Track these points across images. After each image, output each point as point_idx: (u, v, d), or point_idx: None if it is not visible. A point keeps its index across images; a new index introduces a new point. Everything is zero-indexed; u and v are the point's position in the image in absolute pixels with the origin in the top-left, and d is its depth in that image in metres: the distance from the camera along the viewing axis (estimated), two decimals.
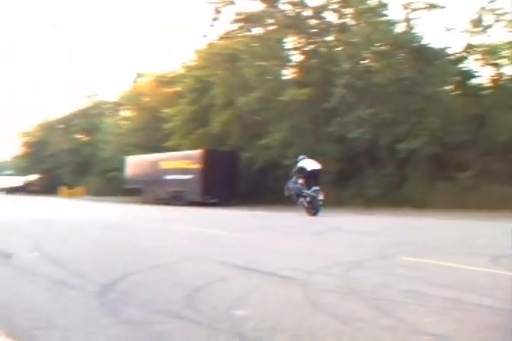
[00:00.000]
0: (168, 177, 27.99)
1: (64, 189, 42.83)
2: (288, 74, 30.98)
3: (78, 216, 16.49)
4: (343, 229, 12.07)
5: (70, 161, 48.16)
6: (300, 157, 17.44)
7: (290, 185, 16.92)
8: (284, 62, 29.42)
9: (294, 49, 29.20)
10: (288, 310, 4.04)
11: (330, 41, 27.77)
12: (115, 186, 37.88)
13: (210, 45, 33.27)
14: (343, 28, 26.04)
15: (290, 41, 29.07)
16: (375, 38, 23.03)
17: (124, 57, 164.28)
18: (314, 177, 16.02)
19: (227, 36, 32.67)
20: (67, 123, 52.19)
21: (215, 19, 32.72)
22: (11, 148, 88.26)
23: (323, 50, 27.46)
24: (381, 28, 22.83)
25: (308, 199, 15.90)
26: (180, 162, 27.51)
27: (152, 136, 37.79)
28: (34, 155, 54.50)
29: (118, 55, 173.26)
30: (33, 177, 52.43)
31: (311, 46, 27.90)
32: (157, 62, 71.14)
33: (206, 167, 25.61)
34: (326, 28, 27.60)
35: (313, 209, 15.76)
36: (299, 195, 16.33)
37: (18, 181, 52.83)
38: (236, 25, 32.46)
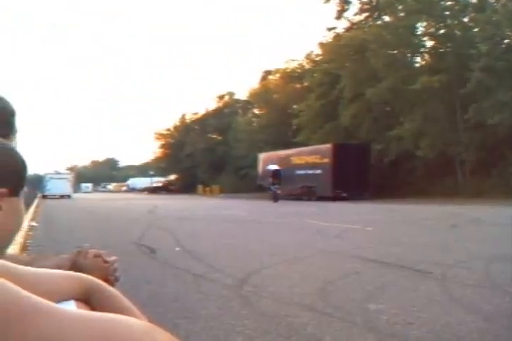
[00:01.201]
0: (298, 172, 28.21)
1: (200, 187, 45.00)
2: (419, 61, 29.83)
3: (214, 212, 17.22)
4: (484, 220, 11.35)
5: (206, 160, 50.31)
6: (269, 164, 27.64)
7: (265, 180, 26.44)
8: (415, 49, 28.28)
9: (426, 34, 27.94)
10: (424, 304, 3.88)
11: (465, 23, 26.18)
12: (248, 183, 38.99)
13: (337, 37, 32.99)
14: (481, 7, 24.40)
15: (421, 27, 27.86)
16: None
17: (253, 55, 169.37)
18: (277, 175, 25.14)
19: (354, 27, 32.20)
20: (202, 124, 54.61)
21: (342, 11, 32.42)
22: (151, 151, 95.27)
23: (457, 32, 25.95)
24: None
25: (271, 192, 24.65)
26: (310, 157, 27.60)
27: (282, 132, 38.39)
28: (172, 156, 57.58)
29: (247, 52, 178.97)
30: (172, 177, 55.51)
31: (444, 30, 26.49)
32: (284, 58, 71.82)
33: (336, 161, 25.42)
34: (462, 8, 26.04)
35: (274, 198, 24.09)
36: (269, 188, 25.48)
37: (159, 181, 56.30)
38: (363, 16, 31.90)
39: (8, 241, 0.85)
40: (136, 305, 0.99)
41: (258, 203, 24.64)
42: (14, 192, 0.81)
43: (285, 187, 29.16)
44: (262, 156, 33.25)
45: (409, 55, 28.86)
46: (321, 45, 35.43)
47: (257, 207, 21.50)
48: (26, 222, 11.51)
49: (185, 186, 50.51)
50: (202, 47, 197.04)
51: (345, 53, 29.67)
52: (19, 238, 7.77)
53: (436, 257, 6.09)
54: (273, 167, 25.96)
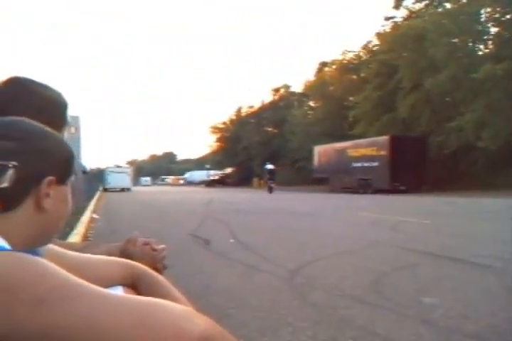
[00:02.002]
0: (355, 165, 27.89)
1: (256, 180, 45.23)
2: (482, 49, 28.73)
3: (269, 205, 17.28)
4: None
5: (261, 153, 50.48)
6: (266, 163, 33.08)
7: (266, 177, 32.34)
8: (478, 36, 27.21)
9: (490, 21, 26.81)
10: (482, 298, 3.77)
11: None
12: (304, 176, 38.88)
13: (395, 26, 32.28)
14: None
15: (485, 12, 26.72)
16: None
17: (309, 47, 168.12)
18: (272, 173, 30.88)
19: (413, 16, 31.40)
20: (258, 117, 54.83)
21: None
22: (208, 144, 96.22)
23: None
24: None
25: (268, 185, 30.07)
26: (367, 149, 27.21)
27: (338, 124, 38.01)
28: (228, 150, 58.10)
29: (303, 44, 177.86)
30: (228, 170, 55.92)
31: (511, 15, 25.32)
32: (341, 50, 70.82)
33: (393, 153, 24.95)
34: None
35: (269, 190, 29.36)
36: (267, 182, 30.93)
37: (216, 174, 56.90)
38: (423, 3, 31.03)
39: (56, 227, 0.89)
40: (189, 294, 1.02)
41: (313, 196, 24.54)
42: (62, 180, 0.86)
43: (340, 180, 28.94)
44: (318, 149, 33.07)
45: (470, 43, 27.86)
46: (379, 35, 34.80)
47: (311, 199, 21.41)
48: (88, 213, 11.93)
49: (241, 179, 50.87)
50: (259, 40, 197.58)
51: (403, 43, 28.98)
52: (81, 229, 8.08)
53: (495, 250, 5.89)
54: (269, 166, 31.74)
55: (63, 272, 0.69)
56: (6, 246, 0.75)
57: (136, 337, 0.67)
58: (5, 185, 0.56)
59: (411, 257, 5.63)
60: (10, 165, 0.52)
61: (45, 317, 0.64)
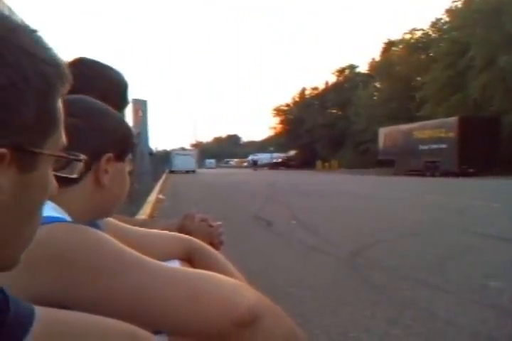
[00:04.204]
0: (421, 147, 27.14)
1: (319, 163, 44.87)
2: None
3: (332, 187, 17.14)
4: None
5: (325, 136, 49.98)
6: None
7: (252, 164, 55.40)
8: None
9: None
10: None
11: None
12: (368, 158, 38.24)
13: (467, 2, 30.85)
14: None
15: None
16: None
17: (373, 25, 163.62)
18: (255, 162, 54.66)
19: None
20: (322, 99, 54.16)
21: None
22: (271, 127, 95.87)
23: None
24: None
25: (254, 169, 48.66)
26: (434, 131, 26.37)
27: (404, 105, 37.01)
28: (291, 132, 57.86)
29: (367, 23, 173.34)
30: (292, 152, 55.63)
31: None
32: (408, 28, 68.57)
33: (462, 135, 24.04)
34: None
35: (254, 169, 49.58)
36: (253, 168, 51.12)
37: (279, 157, 56.83)
38: None
39: (115, 202, 0.92)
40: (250, 273, 1.05)
41: (377, 178, 24.12)
42: (120, 157, 0.89)
43: (406, 162, 28.23)
44: (383, 131, 32.35)
45: None
46: (449, 11, 33.39)
47: (375, 182, 21.06)
48: (154, 194, 12.28)
49: (305, 162, 50.66)
50: (323, 18, 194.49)
51: (477, 18, 27.58)
52: (148, 209, 8.34)
53: None
54: (254, 157, 44.64)
55: (119, 244, 0.72)
56: (67, 218, 0.78)
57: (187, 308, 0.69)
58: (75, 175, 0.60)
59: (478, 241, 5.46)
60: (81, 159, 0.54)
61: (101, 286, 0.67)
